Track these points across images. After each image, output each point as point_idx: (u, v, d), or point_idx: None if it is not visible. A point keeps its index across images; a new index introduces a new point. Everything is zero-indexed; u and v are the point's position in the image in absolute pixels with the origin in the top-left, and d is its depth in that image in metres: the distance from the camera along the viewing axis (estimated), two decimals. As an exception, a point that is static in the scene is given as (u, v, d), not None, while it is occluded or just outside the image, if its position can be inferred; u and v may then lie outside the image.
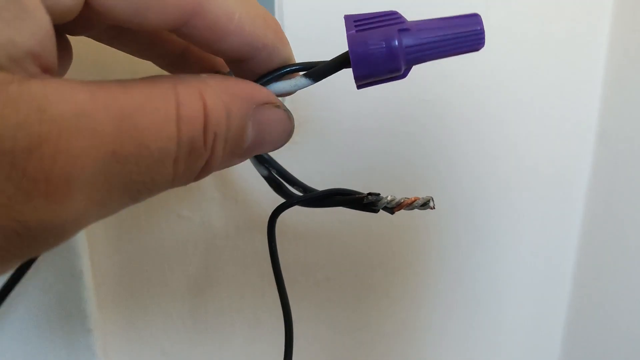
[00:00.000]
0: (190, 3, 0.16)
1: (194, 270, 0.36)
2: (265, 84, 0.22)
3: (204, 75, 0.17)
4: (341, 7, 0.35)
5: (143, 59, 0.23)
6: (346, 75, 0.37)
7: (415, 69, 0.40)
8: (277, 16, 0.34)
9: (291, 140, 0.37)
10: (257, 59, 0.20)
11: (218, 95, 0.16)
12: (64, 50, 0.20)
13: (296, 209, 0.40)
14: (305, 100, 0.36)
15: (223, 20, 0.17)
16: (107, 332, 0.33)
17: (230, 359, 0.39)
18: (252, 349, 0.40)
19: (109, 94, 0.14)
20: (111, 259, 0.32)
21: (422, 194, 0.43)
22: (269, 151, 0.20)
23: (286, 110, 0.20)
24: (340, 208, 0.42)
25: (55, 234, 0.14)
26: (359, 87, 0.21)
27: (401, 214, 0.45)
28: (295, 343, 0.43)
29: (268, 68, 0.20)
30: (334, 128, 0.38)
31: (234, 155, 0.18)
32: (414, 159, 0.42)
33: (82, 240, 0.28)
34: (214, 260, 0.36)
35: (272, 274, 0.27)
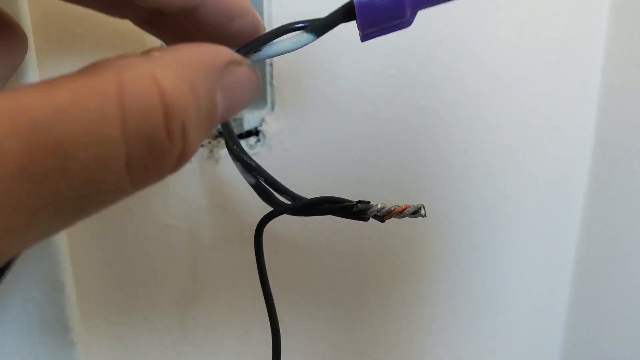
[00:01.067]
0: None
1: (181, 282, 0.35)
2: (264, 43, 0.21)
3: (155, 53, 0.15)
4: (328, 10, 0.34)
5: (116, 17, 0.21)
6: (339, 82, 0.37)
7: (410, 76, 0.40)
8: (265, 19, 0.33)
9: (281, 147, 0.36)
10: (208, 5, 0.18)
11: (178, 74, 0.14)
12: (12, 37, 0.19)
13: (286, 218, 0.39)
14: (296, 108, 0.36)
15: None
16: (91, 345, 0.32)
17: (219, 373, 0.39)
18: (242, 362, 0.39)
19: (20, 103, 0.12)
20: (95, 270, 0.31)
21: (416, 202, 0.42)
22: (238, 112, 0.19)
23: (249, 65, 0.18)
24: (332, 217, 0.42)
25: None
26: (363, 38, 0.21)
27: (394, 221, 0.44)
28: (286, 355, 0.42)
29: (223, 14, 0.19)
30: (325, 136, 0.38)
31: (207, 132, 0.16)
32: (407, 167, 0.42)
33: (63, 249, 0.28)
34: (203, 271, 0.35)
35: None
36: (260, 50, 0.21)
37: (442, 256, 0.47)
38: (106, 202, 0.14)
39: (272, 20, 0.33)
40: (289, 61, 0.35)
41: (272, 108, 0.35)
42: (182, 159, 0.15)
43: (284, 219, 0.38)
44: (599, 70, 0.47)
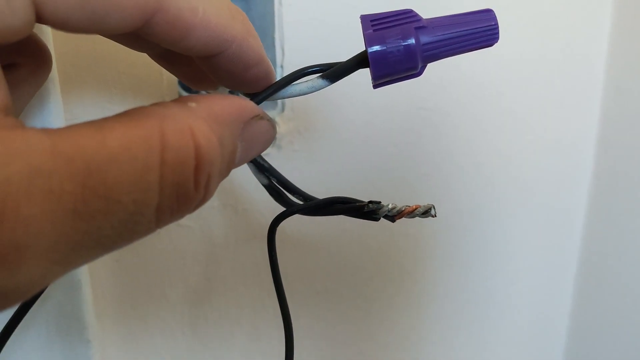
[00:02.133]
0: (150, 1, 0.16)
1: (193, 281, 0.35)
2: (280, 88, 0.22)
3: (192, 104, 0.16)
4: (340, 18, 0.35)
5: (135, 49, 0.22)
6: (347, 85, 0.37)
7: (415, 79, 0.40)
8: (276, 26, 0.34)
9: (291, 148, 0.37)
10: (227, 53, 0.19)
11: (211, 128, 0.15)
12: (39, 58, 0.20)
13: (296, 218, 0.39)
14: (306, 110, 0.37)
15: (187, 15, 0.17)
16: (106, 343, 0.33)
17: (229, 370, 0.39)
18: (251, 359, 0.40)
19: (76, 145, 0.13)
20: (110, 269, 0.32)
21: (422, 203, 0.43)
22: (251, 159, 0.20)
23: (269, 120, 0.19)
24: (340, 217, 0.42)
25: (9, 297, 0.13)
26: (375, 86, 0.21)
27: (400, 222, 0.45)
28: (295, 354, 0.43)
29: (240, 62, 0.20)
30: (334, 137, 0.38)
31: (224, 178, 0.17)
32: (413, 169, 0.42)
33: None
34: (214, 271, 0.36)
35: (272, 284, 0.27)
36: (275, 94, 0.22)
37: (446, 256, 0.48)
38: (133, 239, 0.15)
39: (283, 25, 0.34)
40: (298, 64, 0.35)
41: (282, 110, 0.36)
42: (200, 204, 0.16)
43: (293, 219, 0.39)
44: (602, 73, 0.48)
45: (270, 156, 0.36)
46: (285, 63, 0.34)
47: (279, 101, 0.36)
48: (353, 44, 0.36)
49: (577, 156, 0.51)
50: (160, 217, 0.15)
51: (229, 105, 0.17)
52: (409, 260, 0.46)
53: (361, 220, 0.44)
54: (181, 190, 0.15)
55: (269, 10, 0.33)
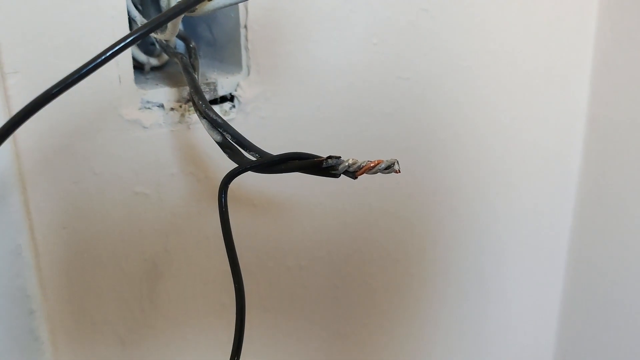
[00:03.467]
0: None
1: (152, 252, 0.33)
2: None
3: None
4: None
5: None
6: (320, 47, 0.35)
7: (394, 46, 0.38)
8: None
9: (258, 115, 0.35)
10: None
11: None
12: None
13: (268, 191, 0.37)
14: (273, 73, 0.35)
15: None
16: (53, 316, 0.30)
17: (194, 349, 0.37)
18: (217, 338, 0.38)
19: None
20: (57, 236, 0.30)
21: (401, 182, 0.41)
22: None
23: None
24: (314, 191, 0.40)
25: None
26: None
27: (380, 198, 0.43)
28: (265, 334, 0.41)
29: None
30: (303, 104, 0.36)
31: None
32: (389, 139, 0.41)
33: (19, 211, 0.26)
34: (174, 242, 0.34)
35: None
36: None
37: (427, 234, 0.46)
38: None
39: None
40: (265, 24, 0.33)
41: (248, 73, 0.34)
42: None
43: (263, 192, 0.37)
44: (590, 54, 0.47)
45: (236, 122, 0.34)
46: (250, 21, 0.32)
47: (244, 64, 0.34)
48: (327, 4, 0.34)
49: (568, 126, 0.49)
50: None
51: None
52: (389, 238, 0.44)
53: (337, 195, 0.42)
54: None
55: None
